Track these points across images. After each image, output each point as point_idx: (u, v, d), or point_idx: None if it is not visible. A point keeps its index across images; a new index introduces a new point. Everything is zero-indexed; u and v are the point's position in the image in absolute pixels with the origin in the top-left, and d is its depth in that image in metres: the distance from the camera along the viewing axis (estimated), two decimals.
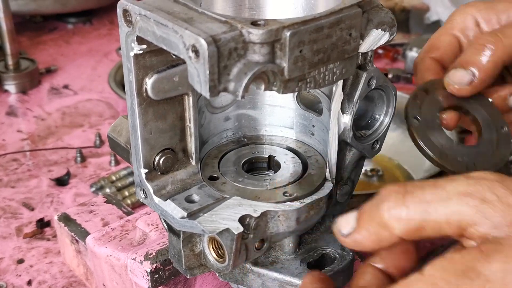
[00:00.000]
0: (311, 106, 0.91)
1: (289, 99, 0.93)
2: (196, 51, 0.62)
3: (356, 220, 0.65)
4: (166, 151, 0.80)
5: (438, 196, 0.62)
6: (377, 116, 0.85)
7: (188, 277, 0.84)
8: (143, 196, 0.81)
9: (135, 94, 0.74)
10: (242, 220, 0.75)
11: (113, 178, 1.63)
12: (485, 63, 0.89)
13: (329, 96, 0.86)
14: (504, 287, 0.57)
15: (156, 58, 0.74)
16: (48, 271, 1.34)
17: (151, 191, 0.80)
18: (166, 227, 0.83)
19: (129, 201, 1.55)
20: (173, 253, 0.84)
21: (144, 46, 0.72)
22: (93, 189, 1.60)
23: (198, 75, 0.63)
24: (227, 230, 0.74)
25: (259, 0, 0.83)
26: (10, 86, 2.06)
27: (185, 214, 0.77)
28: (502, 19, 0.97)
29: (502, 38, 0.91)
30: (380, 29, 0.75)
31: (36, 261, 1.37)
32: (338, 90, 0.78)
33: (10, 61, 2.04)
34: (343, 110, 0.80)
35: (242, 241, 0.75)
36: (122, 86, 1.99)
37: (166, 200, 0.79)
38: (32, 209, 1.53)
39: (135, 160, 0.80)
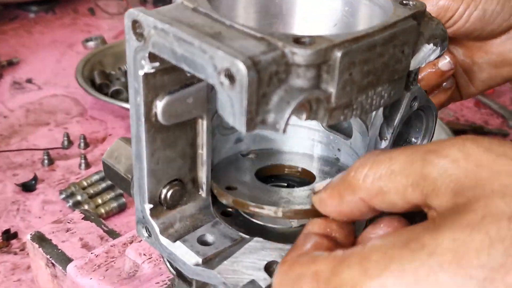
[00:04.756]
0: (335, 126, 0.79)
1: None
2: (231, 77, 0.50)
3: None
4: (174, 182, 0.68)
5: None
6: (413, 139, 0.74)
7: None
8: (146, 235, 0.69)
9: (143, 120, 0.62)
10: (268, 267, 0.64)
11: (84, 183, 1.53)
12: None
13: (362, 118, 0.74)
14: (456, 259, 0.46)
15: (168, 76, 0.61)
16: None
17: (157, 230, 0.67)
18: (173, 272, 0.71)
19: (103, 210, 1.44)
20: None
21: (157, 64, 0.59)
22: (63, 195, 1.50)
23: (232, 105, 0.51)
24: (253, 282, 0.62)
25: (282, 7, 0.71)
26: None
27: (199, 260, 0.65)
28: None
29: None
30: (431, 44, 0.64)
31: (3, 279, 1.26)
32: (378, 114, 0.67)
33: None
34: (381, 135, 0.68)
35: None
36: (90, 81, 1.91)
37: (175, 241, 0.67)
38: None
39: (138, 193, 0.67)
